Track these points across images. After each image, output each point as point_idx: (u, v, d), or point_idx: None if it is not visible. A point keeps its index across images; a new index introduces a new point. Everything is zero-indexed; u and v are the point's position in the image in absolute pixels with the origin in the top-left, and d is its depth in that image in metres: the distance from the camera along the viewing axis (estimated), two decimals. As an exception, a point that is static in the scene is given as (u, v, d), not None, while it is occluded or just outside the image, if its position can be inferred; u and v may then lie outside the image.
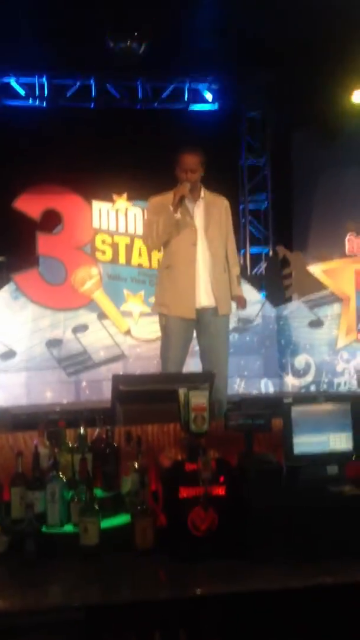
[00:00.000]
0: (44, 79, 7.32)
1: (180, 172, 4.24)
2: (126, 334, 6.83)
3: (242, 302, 4.48)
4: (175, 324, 4.31)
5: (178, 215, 4.20)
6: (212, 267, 4.29)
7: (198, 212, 4.32)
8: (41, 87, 7.35)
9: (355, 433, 2.60)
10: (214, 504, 2.51)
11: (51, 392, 6.53)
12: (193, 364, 4.59)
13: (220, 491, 2.53)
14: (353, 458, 2.60)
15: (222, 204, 4.43)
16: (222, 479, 2.54)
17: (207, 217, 4.32)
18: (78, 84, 7.42)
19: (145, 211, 4.75)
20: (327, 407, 2.63)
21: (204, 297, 4.29)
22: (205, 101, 7.79)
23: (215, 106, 7.81)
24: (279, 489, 2.57)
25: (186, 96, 7.69)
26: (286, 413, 2.58)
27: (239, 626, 2.38)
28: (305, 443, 2.58)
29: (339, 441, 2.60)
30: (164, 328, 4.38)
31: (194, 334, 4.41)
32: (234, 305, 4.48)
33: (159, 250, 4.95)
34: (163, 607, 2.32)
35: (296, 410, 2.59)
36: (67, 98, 7.42)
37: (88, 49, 6.55)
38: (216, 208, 4.37)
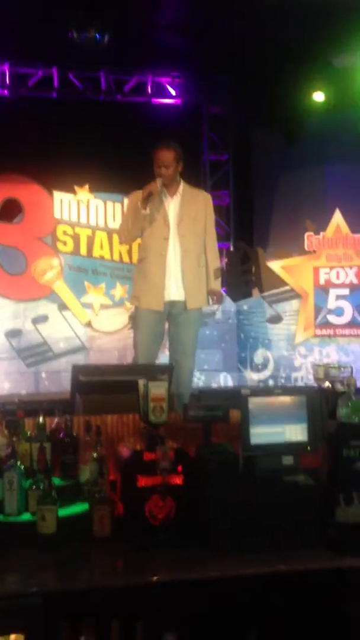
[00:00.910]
0: (6, 67, 7.23)
1: (155, 168, 4.27)
2: (87, 325, 6.82)
3: (217, 297, 4.52)
4: (145, 316, 4.35)
5: (146, 211, 4.22)
6: (184, 261, 4.32)
7: (173, 206, 4.35)
8: (2, 75, 7.26)
9: (310, 425, 2.66)
10: (171, 493, 2.55)
11: (10, 382, 6.48)
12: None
13: (178, 480, 2.57)
14: (308, 449, 2.66)
15: (202, 200, 4.47)
16: (180, 468, 2.58)
17: (181, 211, 4.34)
18: (40, 73, 7.35)
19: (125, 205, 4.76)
20: (283, 399, 2.68)
21: (174, 291, 4.33)
22: (168, 96, 7.80)
23: (178, 101, 7.82)
24: (235, 478, 2.62)
25: (149, 90, 7.69)
26: (243, 404, 2.63)
27: (196, 613, 2.43)
28: (262, 434, 2.63)
29: (295, 432, 2.65)
30: (135, 319, 4.44)
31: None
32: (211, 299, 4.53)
33: (131, 244, 4.98)
34: (120, 594, 2.34)
35: (253, 402, 2.63)
36: (30, 87, 7.34)
37: (51, 38, 6.48)
38: (194, 203, 4.39)
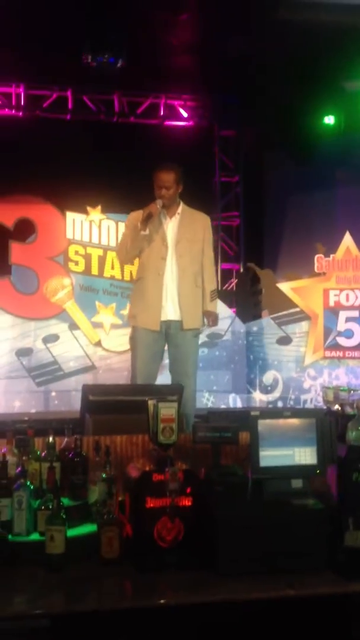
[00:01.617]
0: (21, 89, 7.34)
1: (156, 189, 4.32)
2: (97, 345, 6.84)
3: (212, 318, 4.51)
4: (142, 335, 4.37)
5: (146, 232, 4.25)
6: (181, 282, 4.34)
7: (172, 227, 4.39)
8: (18, 96, 7.37)
9: (319, 448, 2.65)
10: (180, 515, 2.54)
11: (20, 401, 6.49)
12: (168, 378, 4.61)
13: (187, 502, 2.56)
14: (317, 472, 2.66)
15: (201, 221, 4.51)
16: (189, 490, 2.57)
17: (180, 232, 4.38)
18: (55, 95, 7.46)
19: (124, 225, 4.80)
20: (293, 421, 2.68)
21: (171, 311, 4.35)
22: (180, 118, 7.89)
23: (190, 123, 7.91)
24: (244, 501, 2.61)
25: (162, 112, 7.78)
26: (253, 426, 2.62)
27: (203, 637, 2.41)
28: (271, 456, 2.62)
29: (304, 455, 2.65)
30: (132, 339, 4.45)
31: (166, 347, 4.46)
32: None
33: (132, 264, 5.01)
34: (127, 616, 2.34)
35: (263, 424, 2.63)
36: (44, 109, 7.45)
37: (66, 61, 6.59)
38: (193, 224, 4.43)
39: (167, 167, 4.36)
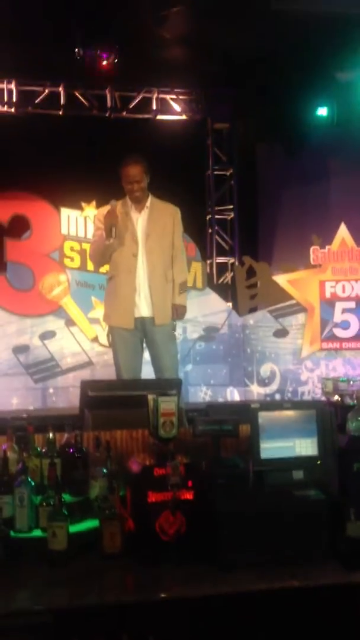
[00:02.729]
0: (13, 85, 7.31)
1: (125, 184, 4.29)
2: (94, 341, 6.83)
3: (179, 311, 4.45)
4: (118, 334, 4.36)
5: (110, 241, 4.22)
6: (152, 277, 4.32)
7: (141, 221, 4.36)
8: (10, 92, 7.33)
9: (320, 439, 2.65)
10: (182, 509, 2.54)
11: (17, 398, 6.49)
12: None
13: (189, 496, 2.56)
14: (318, 463, 2.66)
15: (170, 213, 4.45)
16: (190, 483, 2.57)
17: (149, 227, 4.35)
18: (47, 91, 7.43)
19: (93, 222, 4.76)
20: (293, 413, 2.68)
21: (144, 307, 4.33)
22: (173, 112, 7.86)
23: (183, 117, 7.88)
24: (246, 493, 2.61)
25: (154, 106, 7.75)
26: (253, 418, 2.63)
27: (207, 630, 2.41)
28: (272, 448, 2.62)
29: (305, 446, 2.65)
30: (110, 337, 4.43)
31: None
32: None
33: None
34: (130, 611, 2.33)
35: (263, 416, 2.63)
36: (36, 105, 7.41)
37: (57, 56, 6.56)
38: (162, 218, 4.39)
39: (134, 161, 4.31)
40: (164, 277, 4.36)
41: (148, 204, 4.38)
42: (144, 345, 4.45)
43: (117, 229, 4.22)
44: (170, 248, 4.40)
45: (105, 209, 4.30)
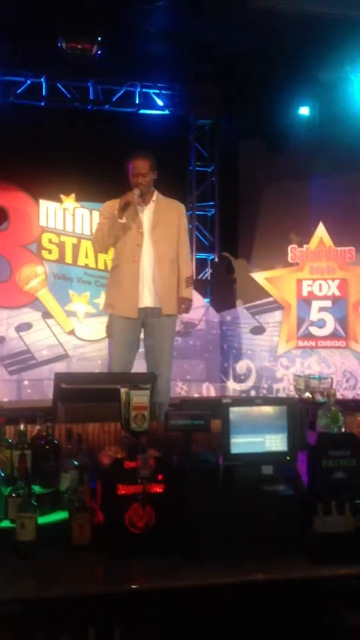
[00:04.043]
0: (-6, 75, 7.25)
1: (131, 177, 4.32)
2: (70, 333, 6.82)
3: (185, 304, 4.50)
4: (119, 323, 4.36)
5: (122, 220, 4.26)
6: (157, 268, 4.35)
7: (147, 214, 4.40)
8: (-9, 82, 7.28)
9: (290, 435, 2.68)
10: (152, 502, 2.55)
11: (-8, 390, 6.47)
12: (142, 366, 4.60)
13: (159, 489, 2.58)
14: (287, 459, 2.68)
15: (176, 209, 4.52)
16: (160, 477, 2.58)
17: (155, 219, 4.39)
18: (29, 81, 7.38)
19: (99, 214, 4.79)
20: (264, 409, 2.70)
21: (147, 297, 4.35)
22: (155, 106, 7.85)
23: (166, 112, 7.88)
24: (215, 487, 2.63)
25: (137, 100, 7.74)
26: (224, 413, 2.64)
27: (174, 621, 2.43)
28: (242, 443, 2.64)
29: (275, 442, 2.67)
30: (109, 327, 4.44)
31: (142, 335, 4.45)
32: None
33: (106, 253, 5.00)
34: (98, 602, 2.35)
35: (234, 411, 2.65)
36: (18, 95, 7.36)
37: (40, 47, 6.51)
38: (168, 212, 4.45)
39: (142, 155, 4.37)
40: (170, 268, 4.39)
41: (154, 198, 4.43)
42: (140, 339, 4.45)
43: (127, 213, 4.25)
44: (176, 241, 4.44)
45: (112, 202, 4.35)
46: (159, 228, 4.38)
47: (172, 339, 4.53)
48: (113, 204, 4.34)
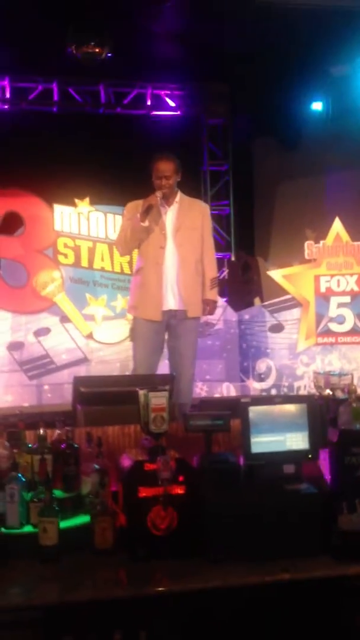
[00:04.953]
0: (6, 81, 7.28)
1: (155, 179, 4.31)
2: (88, 337, 6.82)
3: (211, 307, 4.47)
4: (142, 326, 4.35)
5: (145, 224, 4.25)
6: (181, 270, 4.32)
7: (171, 216, 4.37)
8: (2, 89, 7.31)
9: (311, 433, 2.65)
10: (173, 504, 2.54)
11: (12, 395, 6.47)
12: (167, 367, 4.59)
13: (180, 490, 2.56)
14: (309, 457, 2.66)
15: (199, 209, 4.50)
16: (181, 478, 2.57)
17: (178, 221, 4.36)
18: (40, 87, 7.41)
19: (122, 216, 4.78)
20: (284, 407, 2.68)
21: (171, 300, 4.33)
22: (167, 107, 7.84)
23: (177, 113, 7.87)
24: (237, 488, 2.62)
25: (149, 102, 7.74)
26: (244, 413, 2.63)
27: (199, 624, 2.41)
28: (263, 443, 2.63)
29: (296, 441, 2.65)
30: (133, 330, 4.44)
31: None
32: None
33: (130, 255, 4.98)
34: (122, 606, 2.34)
35: (254, 411, 2.63)
36: (30, 101, 7.40)
37: (50, 53, 6.54)
38: (191, 213, 4.42)
39: (166, 157, 4.34)
40: (194, 270, 4.37)
41: (177, 199, 4.40)
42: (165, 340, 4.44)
43: (151, 215, 4.24)
44: (200, 242, 4.41)
45: (134, 203, 4.34)
46: (183, 230, 4.35)
47: (195, 341, 4.49)
48: (135, 206, 4.32)
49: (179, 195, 4.42)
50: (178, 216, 4.37)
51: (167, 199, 4.36)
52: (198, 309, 4.39)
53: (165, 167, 4.30)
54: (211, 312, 4.55)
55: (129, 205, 4.46)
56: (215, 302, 4.53)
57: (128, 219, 4.42)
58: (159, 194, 4.25)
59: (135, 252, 4.62)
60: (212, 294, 4.47)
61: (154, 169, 4.31)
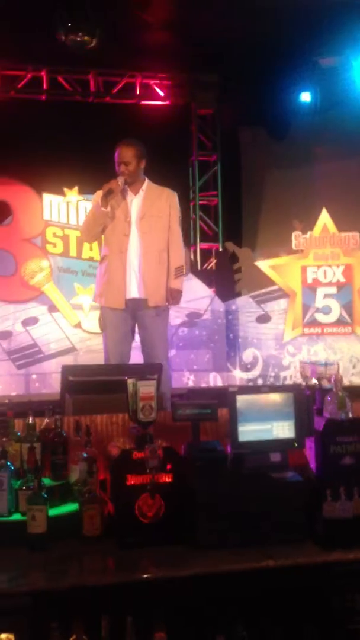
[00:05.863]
0: (-6, 69, 7.24)
1: (116, 165, 4.28)
2: (76, 327, 6.82)
3: (174, 296, 4.38)
4: (109, 314, 4.34)
5: (107, 209, 4.22)
6: (144, 259, 4.29)
7: (136, 203, 4.34)
8: (-9, 77, 7.27)
9: (297, 421, 2.69)
10: (160, 491, 2.57)
11: (0, 384, 6.48)
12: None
13: (167, 479, 2.60)
14: (295, 445, 2.69)
15: (166, 197, 4.42)
16: (169, 466, 2.60)
17: (143, 209, 4.32)
18: (29, 75, 7.36)
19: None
20: (271, 396, 2.71)
21: (134, 288, 4.30)
22: (156, 97, 7.83)
23: (167, 102, 7.85)
24: (224, 476, 2.65)
25: (138, 91, 7.72)
26: (231, 402, 2.65)
27: (185, 608, 2.45)
28: (250, 431, 2.65)
29: (282, 429, 2.68)
30: (101, 319, 4.42)
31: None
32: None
33: (94, 241, 4.94)
34: (110, 592, 2.37)
35: (241, 399, 2.66)
36: (19, 89, 7.35)
37: (39, 40, 6.49)
38: (158, 200, 4.37)
39: (126, 143, 4.31)
40: (157, 259, 4.32)
41: (144, 187, 4.37)
42: (136, 331, 4.44)
43: (113, 202, 4.21)
44: (165, 231, 4.36)
45: (100, 192, 4.29)
46: (147, 218, 4.31)
47: (164, 330, 4.44)
48: (101, 193, 4.32)
49: (147, 183, 4.38)
50: (143, 204, 4.32)
51: (133, 187, 4.32)
52: (160, 298, 4.33)
53: (125, 153, 4.27)
54: (176, 302, 4.45)
55: (97, 192, 4.40)
56: (179, 291, 4.42)
57: (96, 204, 4.36)
58: (120, 179, 4.22)
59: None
60: (177, 283, 4.39)
61: (115, 154, 4.29)
